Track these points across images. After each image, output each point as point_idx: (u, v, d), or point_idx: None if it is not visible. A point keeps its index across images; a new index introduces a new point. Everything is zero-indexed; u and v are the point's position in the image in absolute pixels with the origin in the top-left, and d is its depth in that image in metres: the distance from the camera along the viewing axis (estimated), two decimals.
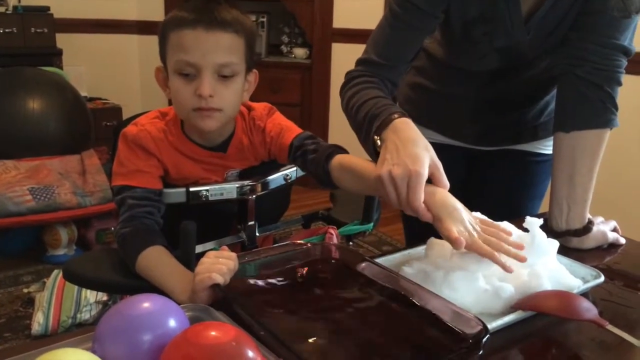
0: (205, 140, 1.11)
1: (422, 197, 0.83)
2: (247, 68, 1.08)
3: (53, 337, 1.95)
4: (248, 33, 1.06)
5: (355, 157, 1.01)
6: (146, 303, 0.63)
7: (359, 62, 1.11)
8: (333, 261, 0.92)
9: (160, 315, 0.62)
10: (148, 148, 1.07)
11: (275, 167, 1.18)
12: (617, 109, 1.07)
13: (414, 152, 0.86)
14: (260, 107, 1.17)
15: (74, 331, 2.04)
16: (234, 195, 1.11)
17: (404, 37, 1.07)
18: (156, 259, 0.96)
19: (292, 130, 1.13)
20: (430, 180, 0.86)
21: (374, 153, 0.94)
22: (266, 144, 1.15)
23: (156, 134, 1.09)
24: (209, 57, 1.00)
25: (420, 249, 0.95)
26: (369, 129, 0.96)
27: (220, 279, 0.78)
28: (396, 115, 0.92)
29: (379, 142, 0.92)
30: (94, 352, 0.58)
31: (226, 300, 0.76)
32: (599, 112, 1.07)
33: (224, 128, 1.11)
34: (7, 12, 3.24)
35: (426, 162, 0.85)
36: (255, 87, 1.14)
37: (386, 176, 0.85)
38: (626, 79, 1.08)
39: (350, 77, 1.10)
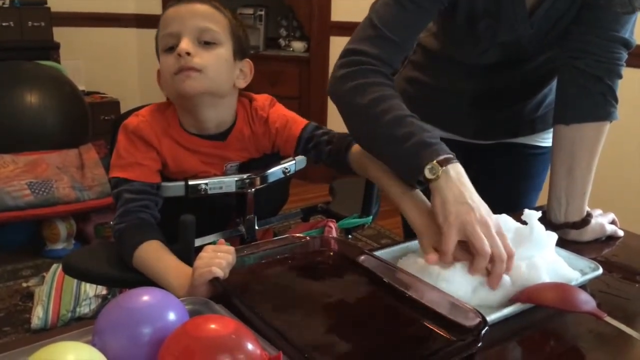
0: (201, 130, 1.11)
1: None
2: (234, 50, 1.09)
3: (52, 331, 1.96)
4: (231, 17, 1.10)
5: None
6: (146, 296, 0.63)
7: (368, 39, 1.00)
8: (332, 254, 0.92)
9: (159, 309, 0.62)
10: (148, 139, 1.07)
11: (275, 160, 1.18)
12: (617, 101, 1.07)
13: (484, 204, 0.86)
14: (262, 97, 1.18)
15: (74, 325, 2.05)
16: (232, 188, 1.11)
17: (413, 18, 1.02)
18: (152, 254, 0.96)
19: (297, 121, 1.15)
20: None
21: (421, 176, 0.88)
22: (270, 136, 1.15)
23: (156, 125, 1.09)
24: (187, 22, 1.04)
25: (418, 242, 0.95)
26: (416, 153, 0.89)
27: (220, 273, 0.78)
28: (453, 156, 0.89)
29: (440, 172, 0.86)
30: (93, 345, 0.58)
31: (226, 293, 0.76)
32: (599, 104, 1.07)
33: (221, 117, 1.11)
34: (4, 5, 3.23)
35: None
36: (254, 81, 1.14)
37: (480, 224, 0.81)
38: (627, 72, 1.08)
39: (363, 68, 0.99)
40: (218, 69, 1.06)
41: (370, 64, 0.99)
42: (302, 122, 1.15)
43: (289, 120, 1.15)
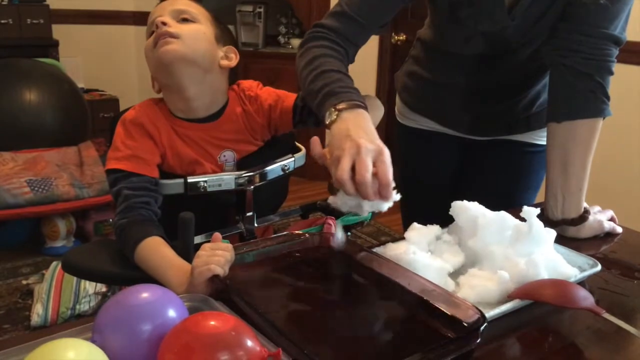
0: (189, 112, 1.12)
1: (391, 171, 0.81)
2: (216, 35, 1.12)
3: (52, 328, 1.96)
4: (211, 12, 1.14)
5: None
6: (145, 293, 0.63)
7: (332, 15, 1.08)
8: (331, 251, 0.92)
9: (159, 305, 0.62)
10: (146, 127, 1.09)
11: (273, 157, 1.18)
12: (608, 98, 1.07)
13: (371, 135, 0.85)
14: (249, 81, 1.22)
15: (73, 322, 2.05)
16: (232, 186, 1.11)
17: (380, 0, 1.07)
18: (153, 251, 0.96)
19: (288, 95, 1.18)
20: None
21: (323, 120, 0.93)
22: (264, 112, 1.17)
23: (153, 114, 1.11)
24: (167, 7, 1.09)
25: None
26: (324, 102, 0.94)
27: (219, 271, 0.78)
28: (361, 104, 0.91)
29: (335, 115, 0.89)
30: (93, 342, 0.59)
31: (225, 290, 0.76)
32: (589, 101, 1.07)
33: (208, 96, 1.12)
34: (3, 3, 3.23)
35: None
36: (252, 78, 1.16)
37: (350, 148, 0.81)
38: (622, 68, 1.08)
39: (315, 34, 1.07)
40: (195, 37, 1.08)
41: (323, 33, 1.06)
42: (293, 94, 1.18)
43: (280, 95, 1.18)
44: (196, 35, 1.08)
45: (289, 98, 1.17)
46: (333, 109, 0.90)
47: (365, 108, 0.91)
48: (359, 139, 0.82)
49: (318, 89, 0.96)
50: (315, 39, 1.06)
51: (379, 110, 1.14)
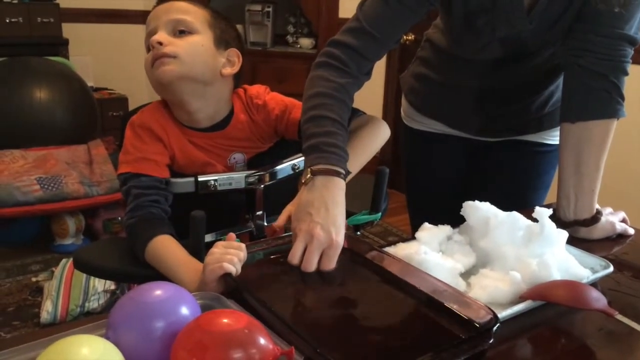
0: (194, 123, 1.12)
1: (334, 264, 0.85)
2: (215, 39, 1.10)
3: (63, 325, 1.97)
4: (210, 11, 1.12)
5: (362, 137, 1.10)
6: (159, 291, 0.63)
7: (348, 30, 1.05)
8: (342, 250, 0.92)
9: (172, 303, 0.63)
10: (155, 130, 1.08)
11: (283, 156, 1.18)
12: (623, 98, 1.06)
13: (339, 221, 0.88)
14: (256, 87, 1.20)
15: (84, 319, 2.06)
16: (242, 184, 1.11)
17: (397, 16, 1.05)
18: (163, 249, 0.97)
19: (296, 105, 1.16)
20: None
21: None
22: (270, 122, 1.17)
23: (161, 118, 1.11)
24: (163, 18, 1.07)
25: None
26: (307, 153, 0.95)
27: (232, 269, 0.78)
28: (337, 170, 0.92)
29: (308, 176, 0.91)
30: (107, 338, 0.59)
31: (237, 289, 0.76)
32: (604, 102, 1.06)
33: (212, 108, 1.12)
34: (13, 1, 3.24)
35: (344, 232, 0.88)
36: (261, 77, 1.16)
37: (306, 233, 0.85)
38: (634, 69, 1.07)
39: (327, 61, 1.04)
40: (193, 54, 1.06)
41: (338, 59, 1.03)
42: (300, 105, 1.15)
43: (288, 105, 1.16)
44: (194, 50, 1.06)
45: (296, 109, 1.14)
46: (309, 170, 0.92)
47: (342, 174, 0.92)
48: (316, 225, 0.85)
49: (308, 135, 0.96)
50: (326, 67, 1.04)
51: (380, 138, 1.16)
